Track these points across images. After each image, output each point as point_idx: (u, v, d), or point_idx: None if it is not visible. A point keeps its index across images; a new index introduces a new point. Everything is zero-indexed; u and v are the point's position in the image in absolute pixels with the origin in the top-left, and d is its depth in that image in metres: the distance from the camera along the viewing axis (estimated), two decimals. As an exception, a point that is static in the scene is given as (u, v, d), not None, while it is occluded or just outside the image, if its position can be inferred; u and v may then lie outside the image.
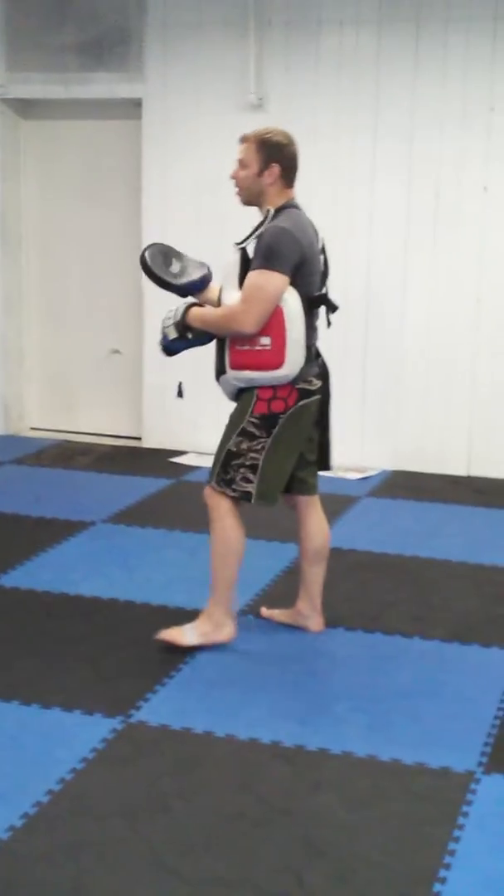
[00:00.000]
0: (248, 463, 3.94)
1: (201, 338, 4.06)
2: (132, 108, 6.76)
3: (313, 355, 3.97)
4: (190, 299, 4.10)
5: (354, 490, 6.23)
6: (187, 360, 6.81)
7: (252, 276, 3.81)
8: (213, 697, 3.73)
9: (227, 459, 3.98)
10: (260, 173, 3.92)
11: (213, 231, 6.73)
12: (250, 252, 3.91)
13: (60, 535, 5.34)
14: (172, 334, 4.06)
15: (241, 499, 3.99)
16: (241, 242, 3.92)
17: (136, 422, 7.16)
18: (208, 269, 4.18)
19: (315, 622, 4.30)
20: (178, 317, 4.04)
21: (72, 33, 6.71)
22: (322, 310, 4.00)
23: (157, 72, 6.63)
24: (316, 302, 3.93)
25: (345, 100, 6.38)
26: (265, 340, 3.81)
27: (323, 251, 4.02)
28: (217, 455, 4.03)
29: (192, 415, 6.95)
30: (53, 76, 6.79)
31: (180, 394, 6.92)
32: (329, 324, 4.07)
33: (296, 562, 4.98)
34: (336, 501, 5.98)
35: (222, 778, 3.23)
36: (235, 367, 3.92)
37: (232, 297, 3.88)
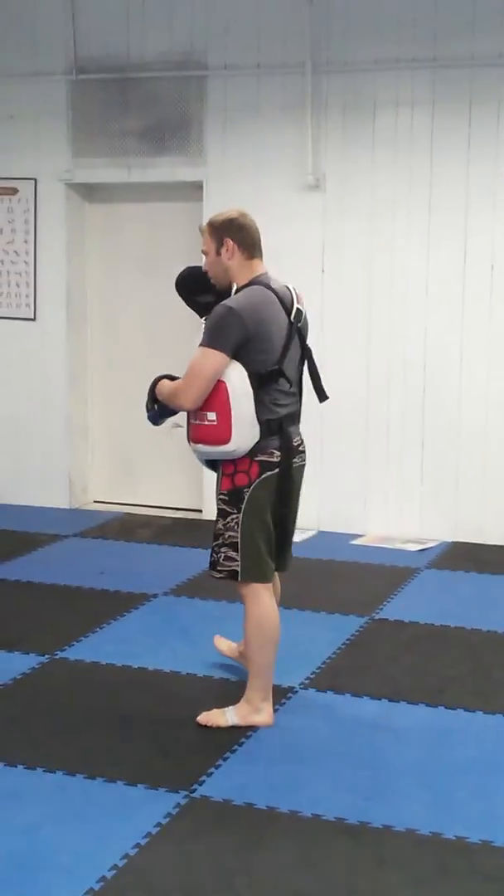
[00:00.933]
0: (228, 542, 3.96)
1: (173, 410, 4.09)
2: (193, 190, 6.94)
3: (273, 428, 3.93)
4: (163, 373, 4.14)
5: (414, 562, 6.23)
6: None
7: (195, 353, 3.89)
8: (276, 772, 3.74)
9: (213, 540, 4.02)
10: (218, 252, 3.98)
11: (272, 307, 6.86)
12: None
13: (123, 607, 5.40)
14: (148, 406, 4.15)
15: (227, 578, 4.00)
16: (206, 318, 3.96)
17: (197, 494, 7.23)
18: None
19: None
20: (149, 389, 4.12)
21: (134, 119, 6.94)
22: (292, 384, 3.99)
23: (217, 155, 6.81)
24: (271, 376, 3.90)
25: (400, 177, 6.51)
26: (211, 416, 3.87)
27: (299, 322, 4.02)
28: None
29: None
30: (116, 161, 7.00)
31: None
32: (323, 397, 4.16)
33: (356, 635, 5.00)
34: (396, 573, 5.99)
35: (286, 854, 3.23)
36: (193, 440, 3.99)
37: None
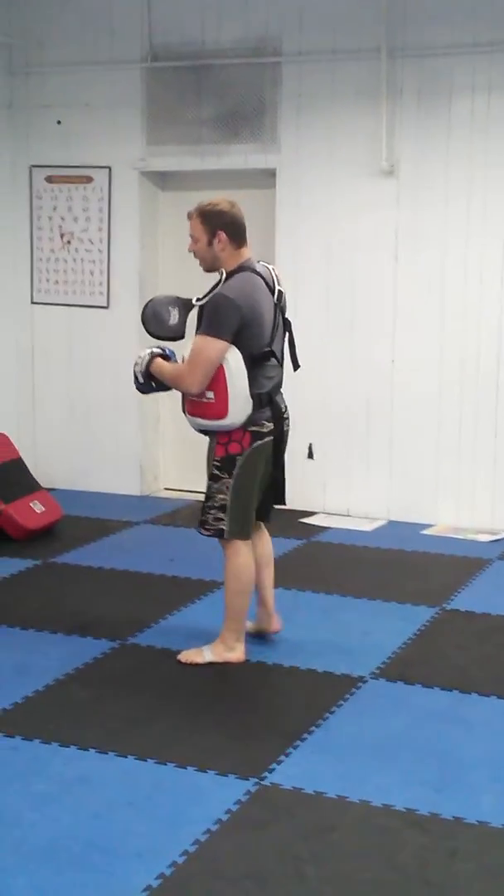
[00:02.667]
0: (216, 504, 4.38)
1: (165, 386, 4.49)
2: (266, 177, 6.93)
3: (264, 401, 4.33)
4: (156, 349, 4.51)
5: (485, 552, 6.16)
6: (318, 422, 6.90)
7: (196, 340, 4.26)
8: (346, 761, 3.73)
9: (203, 502, 4.45)
10: (210, 242, 4.32)
11: (344, 295, 6.83)
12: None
13: (193, 594, 5.42)
14: (140, 379, 4.50)
15: (214, 536, 4.42)
16: (201, 300, 4.31)
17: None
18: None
19: (270, 624, 4.75)
20: (143, 367, 4.46)
21: (208, 107, 6.94)
22: (278, 358, 4.38)
23: (291, 142, 6.79)
24: (264, 356, 4.30)
25: (476, 163, 6.42)
26: (209, 395, 4.25)
27: (281, 303, 4.39)
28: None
29: (321, 476, 7.00)
30: (190, 149, 7.01)
31: (310, 455, 7.03)
32: (296, 367, 4.50)
33: (426, 626, 4.98)
34: (467, 564, 5.94)
35: (356, 844, 3.22)
36: (189, 413, 4.39)
37: (186, 347, 4.33)
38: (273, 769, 3.65)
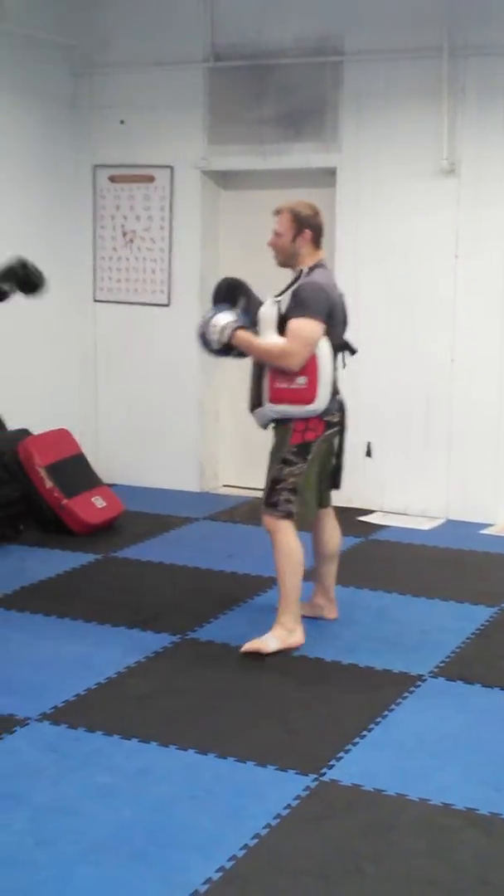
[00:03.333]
0: (288, 487, 4.59)
1: (240, 355, 4.71)
2: (326, 176, 6.94)
3: (336, 392, 4.63)
4: (239, 322, 4.64)
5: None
6: (375, 421, 6.90)
7: (298, 322, 4.46)
8: (405, 759, 3.75)
9: (272, 485, 4.63)
10: (294, 239, 4.60)
11: (404, 294, 6.82)
12: (283, 307, 4.53)
13: (252, 590, 5.46)
14: (215, 346, 4.66)
15: (285, 517, 4.61)
16: (278, 296, 4.57)
17: (326, 480, 7.25)
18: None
19: (331, 610, 5.00)
20: (225, 339, 4.60)
21: (269, 106, 6.96)
22: (341, 354, 4.66)
23: (352, 141, 6.79)
24: (339, 347, 4.62)
25: (539, 162, 6.39)
26: (301, 380, 4.50)
27: (342, 304, 4.67)
28: (266, 482, 4.66)
29: (379, 474, 7.01)
30: (251, 148, 7.05)
31: (369, 453, 7.03)
32: (344, 365, 4.72)
33: (486, 625, 4.97)
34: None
35: (415, 843, 3.24)
36: (274, 401, 4.58)
37: (271, 340, 4.52)
38: (332, 766, 3.67)
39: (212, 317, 4.64)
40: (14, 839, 3.20)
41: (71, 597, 5.35)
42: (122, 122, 7.36)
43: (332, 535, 4.99)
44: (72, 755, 3.74)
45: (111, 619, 5.00)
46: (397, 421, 6.92)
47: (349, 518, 6.84)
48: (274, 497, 4.62)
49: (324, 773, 3.62)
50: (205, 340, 4.67)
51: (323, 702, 4.20)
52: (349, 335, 4.76)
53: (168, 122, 7.26)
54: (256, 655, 4.57)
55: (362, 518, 6.85)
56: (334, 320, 4.58)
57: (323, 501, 4.85)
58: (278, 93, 6.93)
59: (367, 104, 6.73)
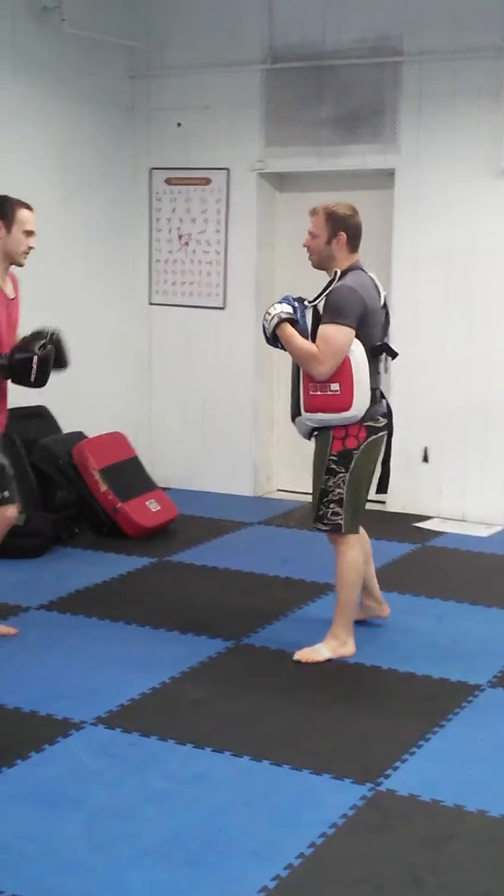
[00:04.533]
0: (335, 498, 4.48)
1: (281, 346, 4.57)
2: (385, 177, 6.88)
3: (378, 397, 4.49)
4: (286, 311, 4.48)
5: None
6: (433, 426, 6.83)
7: (328, 328, 4.35)
8: (463, 770, 3.68)
9: (321, 497, 4.51)
10: (329, 241, 4.45)
11: (463, 297, 6.74)
12: (320, 309, 4.43)
13: (307, 596, 5.41)
14: (267, 335, 4.56)
15: (332, 531, 4.52)
16: (314, 301, 4.46)
17: (381, 485, 7.18)
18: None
19: (381, 610, 4.95)
20: (270, 329, 4.50)
21: (327, 107, 6.92)
22: (383, 356, 4.52)
23: (411, 142, 6.73)
24: (378, 350, 4.46)
25: None
26: (335, 386, 4.37)
27: (385, 306, 4.55)
28: (314, 495, 4.57)
29: (436, 480, 6.93)
30: (308, 149, 7.01)
31: (425, 458, 6.96)
32: (387, 370, 4.60)
33: None
34: None
35: (474, 855, 3.18)
36: (309, 409, 4.47)
37: (307, 344, 4.43)
38: (389, 775, 3.62)
39: (274, 304, 4.56)
40: (69, 843, 3.19)
41: (125, 601, 5.34)
42: (178, 124, 7.36)
43: (364, 538, 4.82)
44: (126, 759, 3.72)
45: (165, 624, 4.98)
46: (455, 426, 6.84)
47: (405, 524, 6.78)
48: (321, 510, 4.52)
49: (380, 783, 3.57)
50: (263, 327, 4.57)
51: (379, 710, 4.15)
52: (395, 337, 4.72)
53: (225, 125, 7.24)
54: (311, 663, 4.53)
55: (419, 524, 6.77)
56: (370, 323, 4.42)
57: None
58: (336, 94, 6.89)
59: (427, 105, 6.67)
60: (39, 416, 6.65)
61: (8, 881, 2.98)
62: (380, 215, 6.99)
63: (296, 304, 4.51)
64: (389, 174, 6.85)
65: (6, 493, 4.71)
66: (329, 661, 4.54)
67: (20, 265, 4.60)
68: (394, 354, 4.57)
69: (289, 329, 4.46)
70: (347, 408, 4.38)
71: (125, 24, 7.26)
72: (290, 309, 4.49)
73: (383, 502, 7.16)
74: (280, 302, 4.53)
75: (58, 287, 6.79)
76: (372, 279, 4.53)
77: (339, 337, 4.33)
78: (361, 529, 4.76)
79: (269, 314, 4.51)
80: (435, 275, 6.76)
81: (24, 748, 3.74)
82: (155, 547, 6.24)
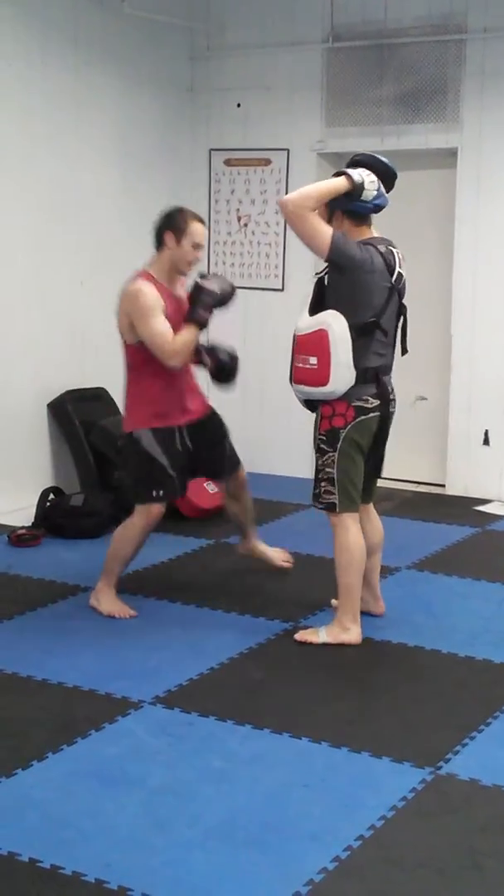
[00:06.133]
0: (326, 477, 4.44)
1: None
2: (447, 157, 6.80)
3: (369, 377, 4.36)
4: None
5: None
6: (492, 408, 6.75)
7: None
8: (525, 756, 3.64)
9: (315, 475, 4.51)
10: (329, 221, 4.37)
11: (526, 278, 6.65)
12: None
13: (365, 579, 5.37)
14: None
15: (327, 509, 4.48)
16: (320, 273, 4.45)
17: (440, 468, 7.13)
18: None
19: (376, 606, 4.79)
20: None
21: (389, 86, 6.84)
22: (389, 335, 4.42)
23: (474, 121, 6.64)
24: (369, 327, 4.32)
25: None
26: (312, 360, 4.32)
27: (399, 283, 4.40)
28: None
29: (497, 463, 6.85)
30: (369, 129, 6.94)
31: (486, 441, 6.88)
32: (405, 351, 4.55)
33: None
34: None
35: (536, 841, 3.14)
36: (294, 381, 4.48)
37: (302, 318, 4.43)
38: (449, 759, 3.59)
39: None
40: (130, 821, 3.20)
41: (182, 582, 5.35)
42: (238, 105, 7.32)
43: (373, 528, 4.73)
44: (185, 739, 3.73)
45: (223, 605, 4.98)
46: (515, 409, 6.76)
47: (465, 507, 6.72)
48: (316, 489, 4.50)
49: (440, 767, 3.54)
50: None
51: (439, 694, 4.12)
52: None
53: (285, 105, 7.20)
54: (365, 645, 4.50)
55: (479, 508, 6.71)
56: (362, 296, 4.29)
57: (363, 496, 4.60)
58: (398, 73, 6.80)
59: (491, 83, 6.57)
60: (98, 398, 6.68)
61: (68, 858, 3.00)
62: (442, 195, 6.92)
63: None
64: (452, 153, 6.76)
65: (160, 492, 4.77)
66: (326, 645, 4.46)
67: (184, 275, 4.79)
68: (389, 336, 4.43)
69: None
70: (325, 383, 4.32)
71: (185, 5, 7.23)
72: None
73: (443, 485, 7.11)
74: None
75: (118, 269, 6.76)
76: (382, 256, 4.36)
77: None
78: (377, 521, 4.76)
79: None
80: (499, 254, 6.67)
81: (84, 726, 3.77)
82: (212, 528, 6.23)
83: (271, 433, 7.55)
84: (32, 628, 4.71)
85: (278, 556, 5.36)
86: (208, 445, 5.01)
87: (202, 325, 4.69)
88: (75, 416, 6.49)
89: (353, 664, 4.37)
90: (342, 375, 4.30)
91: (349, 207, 4.35)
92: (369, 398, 4.39)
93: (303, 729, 3.78)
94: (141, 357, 4.68)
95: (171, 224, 4.66)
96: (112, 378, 6.06)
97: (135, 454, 4.78)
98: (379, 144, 6.93)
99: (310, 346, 4.34)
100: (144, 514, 4.79)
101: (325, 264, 4.40)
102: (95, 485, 6.34)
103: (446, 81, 6.68)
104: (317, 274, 4.45)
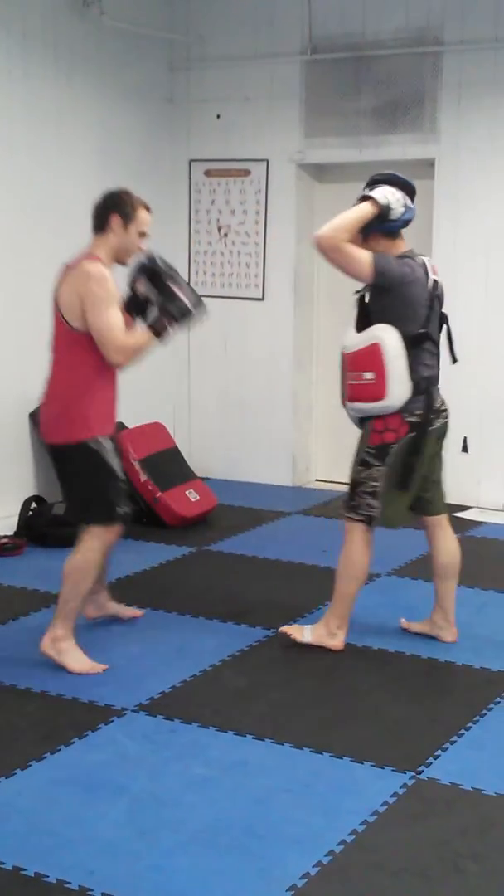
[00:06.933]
0: (368, 490, 4.38)
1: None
2: (424, 168, 6.85)
3: (421, 389, 4.32)
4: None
5: None
6: (471, 415, 6.80)
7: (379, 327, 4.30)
8: (504, 760, 3.68)
9: (352, 487, 4.44)
10: (364, 240, 4.33)
11: (503, 287, 6.71)
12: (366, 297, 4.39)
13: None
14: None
15: (365, 522, 4.43)
16: (360, 291, 4.41)
17: (420, 476, 7.17)
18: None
19: (449, 633, 4.66)
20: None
21: (367, 98, 6.90)
22: (433, 346, 4.38)
23: (451, 132, 6.70)
24: (420, 339, 4.30)
25: None
26: (369, 375, 4.28)
27: (436, 291, 4.38)
28: (349, 483, 4.48)
29: (476, 470, 6.91)
30: (348, 140, 6.99)
31: (465, 448, 6.93)
32: (454, 360, 4.51)
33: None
34: None
35: (516, 843, 3.18)
36: (349, 398, 4.42)
37: (346, 334, 4.40)
38: (430, 763, 3.62)
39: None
40: (113, 828, 3.22)
41: (165, 589, 5.38)
42: (218, 116, 7.37)
43: (446, 547, 4.62)
44: (168, 746, 3.75)
45: (205, 612, 5.01)
46: (495, 416, 6.82)
47: (444, 514, 6.76)
48: (355, 500, 4.44)
49: (421, 771, 3.57)
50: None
51: (420, 699, 4.15)
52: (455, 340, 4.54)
53: (264, 116, 7.24)
54: (346, 651, 4.54)
55: (458, 514, 6.75)
56: (406, 308, 4.28)
57: (429, 508, 4.57)
58: (376, 84, 6.86)
59: (468, 94, 6.63)
60: (80, 407, 6.69)
61: (52, 865, 3.02)
62: (420, 206, 6.93)
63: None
64: (429, 164, 6.82)
65: (125, 509, 4.39)
66: (308, 646, 4.50)
67: (125, 265, 4.37)
68: (436, 347, 4.41)
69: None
70: (382, 396, 4.28)
71: (164, 17, 7.28)
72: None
73: (422, 493, 7.14)
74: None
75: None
76: (419, 265, 4.37)
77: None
78: (451, 542, 4.63)
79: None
80: (475, 264, 6.74)
81: (67, 734, 3.78)
82: (194, 536, 6.26)
83: (250, 441, 7.59)
84: (15, 637, 4.72)
85: (129, 612, 4.86)
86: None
87: (160, 335, 4.25)
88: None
89: (335, 670, 4.40)
90: (399, 388, 4.26)
91: (381, 229, 4.34)
92: (418, 412, 4.34)
93: (285, 734, 3.81)
94: (81, 346, 4.18)
95: (119, 207, 4.27)
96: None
97: (92, 467, 4.26)
98: (357, 155, 7.01)
99: (364, 362, 4.28)
100: (102, 536, 4.32)
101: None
102: (77, 494, 6.35)
103: (424, 93, 6.75)
104: (357, 292, 4.41)
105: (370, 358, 4.27)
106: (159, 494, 6.38)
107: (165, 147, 7.48)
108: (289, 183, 7.26)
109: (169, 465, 6.67)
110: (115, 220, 4.25)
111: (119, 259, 4.32)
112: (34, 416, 6.54)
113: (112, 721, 3.91)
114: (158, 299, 4.26)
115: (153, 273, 4.31)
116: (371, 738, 3.82)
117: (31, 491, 6.45)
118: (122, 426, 6.67)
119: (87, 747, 3.72)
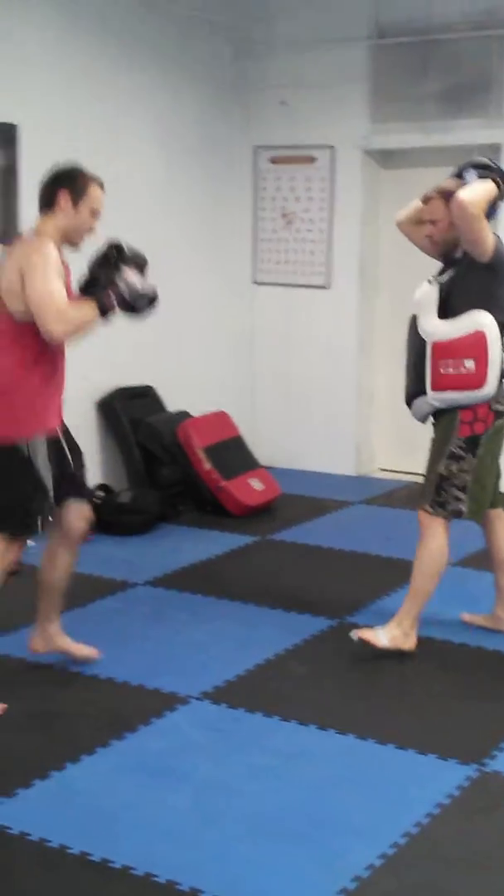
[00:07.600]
0: (457, 483, 4.27)
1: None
2: (491, 152, 6.74)
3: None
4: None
5: None
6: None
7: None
8: None
9: (439, 482, 4.31)
10: (452, 224, 4.21)
11: None
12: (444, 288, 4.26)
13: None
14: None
15: (454, 517, 4.33)
16: (441, 278, 4.29)
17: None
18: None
19: None
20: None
21: (434, 82, 6.83)
22: None
23: (518, 116, 6.62)
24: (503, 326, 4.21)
25: None
26: (469, 364, 4.16)
27: None
28: (428, 479, 4.37)
29: None
30: (414, 125, 6.93)
31: None
32: None
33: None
34: None
35: None
36: (438, 388, 4.24)
37: (430, 322, 4.26)
38: (495, 756, 3.60)
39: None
40: (177, 815, 3.24)
41: (228, 578, 5.39)
42: (282, 102, 7.34)
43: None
44: (232, 734, 3.77)
45: (268, 602, 5.01)
46: None
47: None
48: (442, 496, 4.30)
49: (486, 764, 3.55)
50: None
51: (484, 692, 4.12)
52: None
53: (330, 102, 7.20)
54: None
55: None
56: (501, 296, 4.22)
57: (494, 501, 4.48)
58: (443, 68, 6.79)
59: (535, 78, 6.54)
60: (146, 396, 6.74)
61: (116, 851, 3.05)
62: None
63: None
64: (496, 149, 6.72)
65: (45, 520, 3.93)
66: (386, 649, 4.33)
67: (76, 247, 3.91)
68: None
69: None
70: (481, 385, 4.17)
71: (228, 2, 7.25)
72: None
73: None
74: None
75: (162, 267, 6.78)
76: None
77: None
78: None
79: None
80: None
81: (132, 721, 3.81)
82: (257, 525, 6.27)
83: (314, 430, 7.58)
84: (81, 624, 4.76)
85: (84, 651, 4.27)
86: (66, 465, 4.06)
87: (104, 313, 3.81)
88: (123, 414, 6.55)
89: (398, 661, 4.38)
90: (496, 376, 4.18)
91: (488, 213, 4.21)
92: (502, 399, 4.26)
93: (348, 725, 3.81)
94: (20, 330, 3.77)
95: (68, 183, 3.83)
96: (160, 375, 6.11)
97: (17, 472, 3.82)
98: (423, 141, 6.94)
99: (466, 349, 4.15)
100: (9, 550, 3.88)
101: (443, 269, 4.32)
102: (143, 482, 6.40)
103: (490, 77, 6.65)
104: (436, 279, 4.31)
105: (474, 346, 4.15)
106: (223, 483, 6.40)
107: (230, 134, 7.47)
108: (354, 169, 7.21)
109: (233, 453, 6.68)
110: (64, 197, 3.81)
111: (69, 240, 3.87)
112: (101, 406, 6.59)
113: (176, 709, 3.93)
114: (110, 275, 3.86)
115: (113, 256, 3.93)
116: (435, 729, 3.80)
117: (97, 480, 6.50)
118: (186, 415, 6.71)
119: (152, 734, 3.75)
